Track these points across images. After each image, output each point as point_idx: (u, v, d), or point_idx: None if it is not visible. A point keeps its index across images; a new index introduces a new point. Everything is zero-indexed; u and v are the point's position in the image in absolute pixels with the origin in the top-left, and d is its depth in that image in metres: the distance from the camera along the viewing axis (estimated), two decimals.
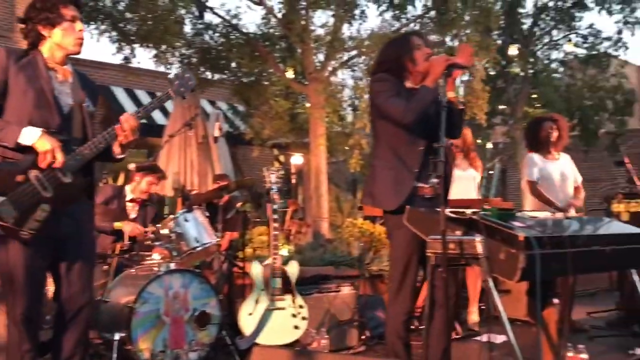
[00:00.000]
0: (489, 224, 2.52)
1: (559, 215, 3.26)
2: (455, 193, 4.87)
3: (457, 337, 4.43)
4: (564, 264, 2.59)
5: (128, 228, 4.34)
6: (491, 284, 2.48)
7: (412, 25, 9.10)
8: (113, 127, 2.54)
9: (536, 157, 4.51)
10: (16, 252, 2.40)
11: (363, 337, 4.33)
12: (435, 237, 2.59)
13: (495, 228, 2.49)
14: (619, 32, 13.27)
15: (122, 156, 2.66)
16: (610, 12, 13.02)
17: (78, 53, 2.60)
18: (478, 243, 2.47)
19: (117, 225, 4.40)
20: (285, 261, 4.22)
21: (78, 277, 2.59)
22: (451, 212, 2.64)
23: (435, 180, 2.89)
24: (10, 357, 2.45)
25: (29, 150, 2.39)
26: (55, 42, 2.54)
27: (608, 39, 13.47)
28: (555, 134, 4.49)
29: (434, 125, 2.96)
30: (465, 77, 9.36)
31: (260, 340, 3.78)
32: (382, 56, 3.13)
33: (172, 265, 3.80)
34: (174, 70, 8.90)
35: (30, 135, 2.37)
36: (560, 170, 4.51)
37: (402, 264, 2.88)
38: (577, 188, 4.62)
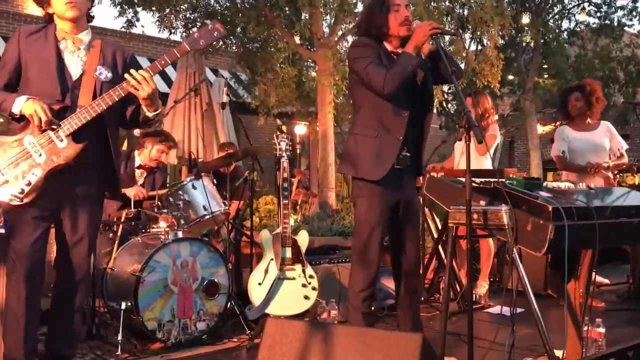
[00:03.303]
0: (515, 194, 2.40)
1: (582, 186, 3.14)
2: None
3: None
4: (591, 236, 2.49)
5: (131, 192, 4.23)
6: (516, 255, 2.38)
7: None
8: (115, 88, 2.48)
9: (566, 130, 4.41)
10: (19, 216, 2.37)
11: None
12: (457, 207, 2.48)
13: (521, 198, 2.38)
14: (634, 0, 12.93)
15: (155, 113, 2.57)
16: None
17: (73, 17, 2.52)
18: (504, 213, 2.36)
19: (124, 191, 4.29)
20: (295, 230, 4.12)
21: (80, 246, 2.52)
22: (474, 181, 2.52)
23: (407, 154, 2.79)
24: (10, 325, 2.38)
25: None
26: (55, 11, 2.53)
27: (622, 7, 13.15)
28: (580, 104, 4.38)
29: (418, 92, 2.81)
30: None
31: (270, 310, 3.71)
32: (361, 18, 2.95)
33: (180, 234, 3.71)
34: (177, 35, 8.69)
35: (18, 103, 2.38)
36: (591, 142, 4.38)
37: (365, 233, 2.78)
38: (620, 156, 4.49)
